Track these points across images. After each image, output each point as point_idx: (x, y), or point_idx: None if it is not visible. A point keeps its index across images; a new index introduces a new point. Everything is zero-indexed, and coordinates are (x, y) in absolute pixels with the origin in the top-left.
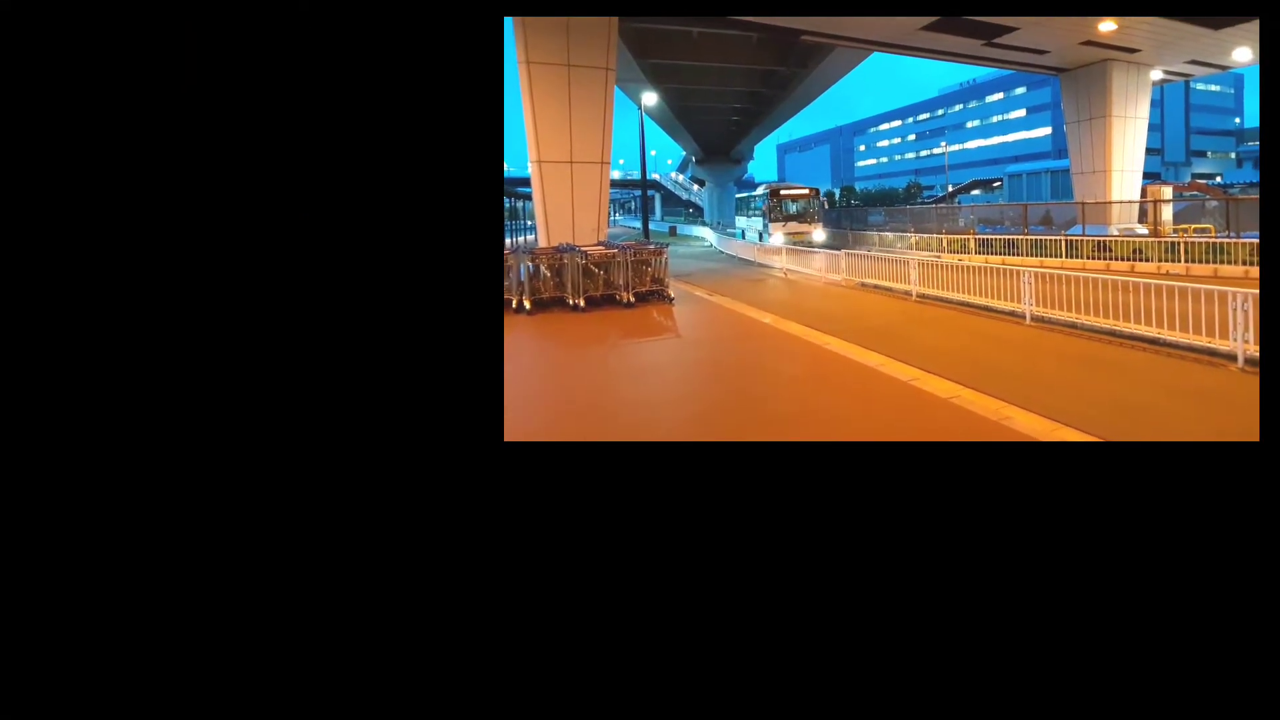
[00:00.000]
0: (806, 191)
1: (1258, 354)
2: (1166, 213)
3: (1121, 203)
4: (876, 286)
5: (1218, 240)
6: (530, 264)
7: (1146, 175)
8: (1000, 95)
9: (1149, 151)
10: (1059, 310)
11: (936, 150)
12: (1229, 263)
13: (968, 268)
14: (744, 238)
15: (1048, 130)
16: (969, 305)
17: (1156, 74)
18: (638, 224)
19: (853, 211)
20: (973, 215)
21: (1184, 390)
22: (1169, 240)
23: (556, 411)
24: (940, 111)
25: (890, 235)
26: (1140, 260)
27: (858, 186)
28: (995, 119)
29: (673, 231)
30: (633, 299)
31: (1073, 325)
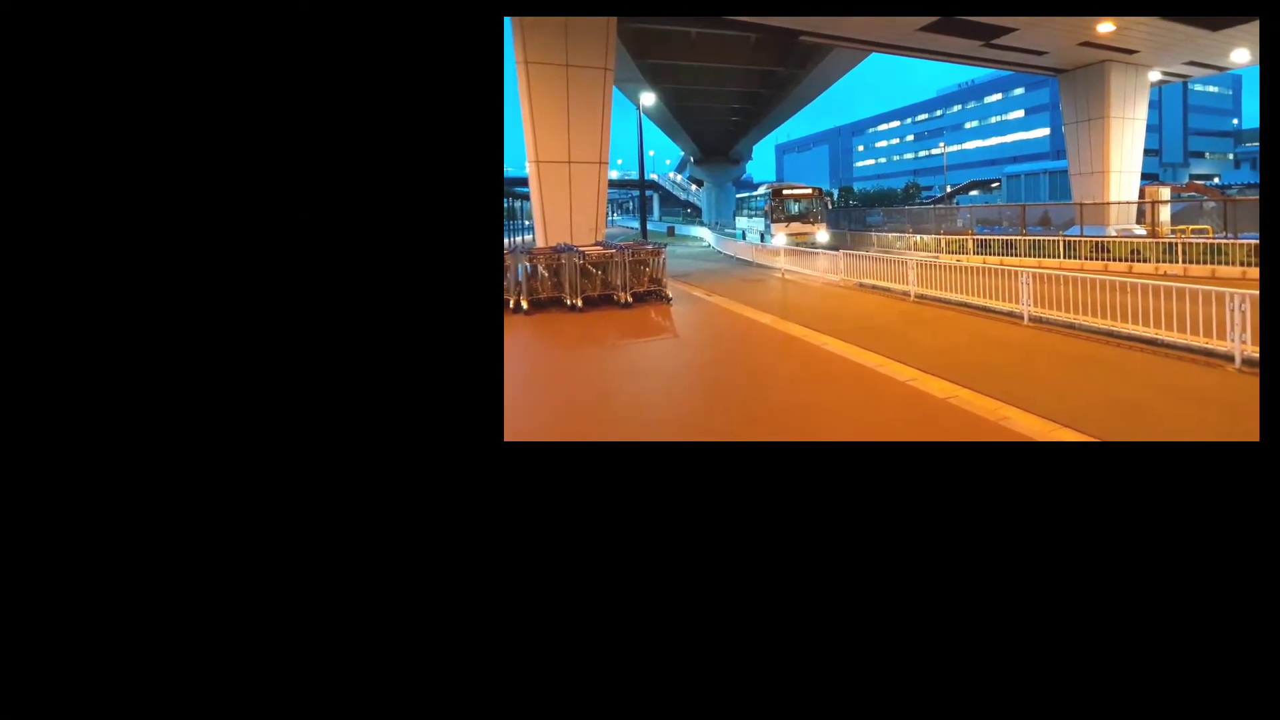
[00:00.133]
0: (810, 191)
1: (1255, 354)
2: (1164, 214)
3: (1119, 203)
4: (875, 287)
5: (1215, 241)
6: (528, 264)
7: (1144, 176)
8: (999, 96)
9: (1147, 152)
10: (1057, 311)
11: (935, 151)
12: (1226, 263)
13: (966, 268)
14: (745, 239)
15: (1046, 131)
16: (967, 306)
17: (1155, 75)
18: (636, 224)
19: (851, 212)
20: (971, 216)
21: (1181, 390)
22: (1167, 241)
23: (555, 412)
24: (939, 112)
25: (889, 236)
26: (1138, 261)
27: (856, 187)
28: (994, 120)
29: (670, 232)
30: (630, 299)
31: (1070, 326)
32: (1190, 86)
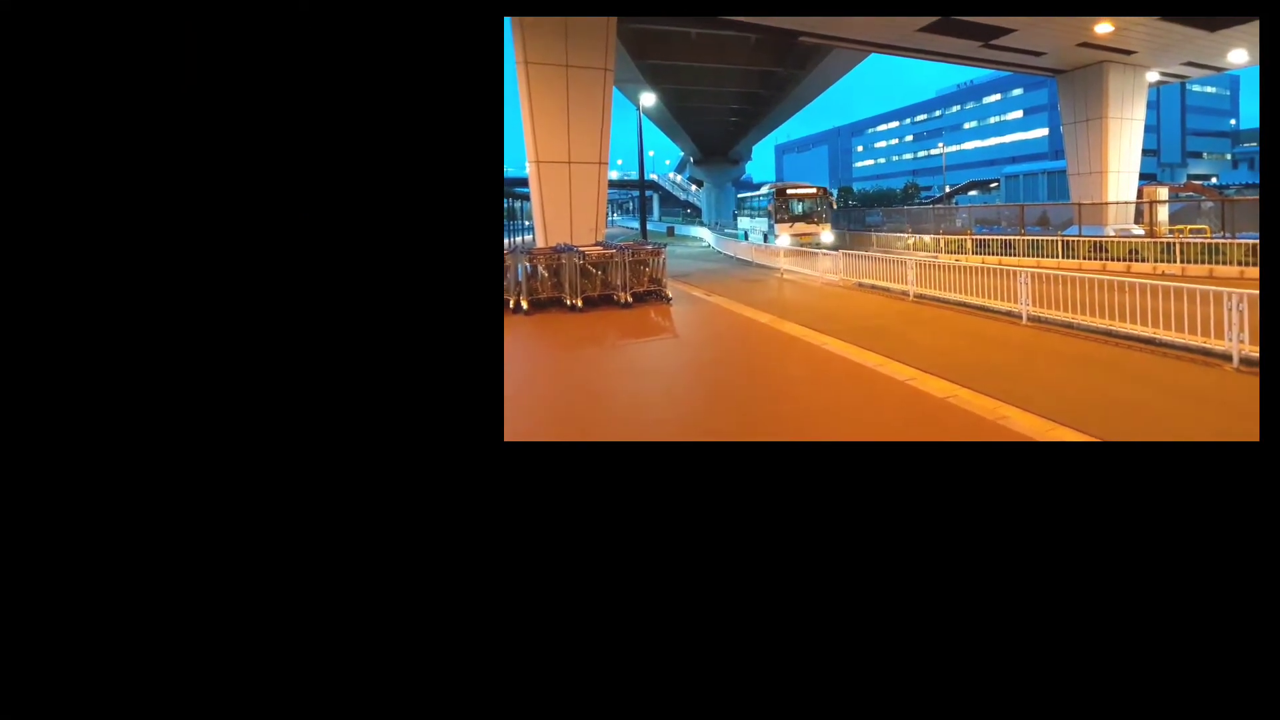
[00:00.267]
0: (814, 191)
1: (1253, 354)
2: (1162, 213)
3: (1118, 203)
4: (874, 287)
5: (1213, 241)
6: (528, 264)
7: (1143, 176)
8: (997, 97)
9: (1145, 152)
10: (1055, 310)
11: (934, 151)
12: (1224, 263)
13: (965, 268)
14: (747, 239)
15: (1045, 131)
16: (966, 305)
17: (1153, 76)
18: (635, 224)
19: (850, 212)
20: (970, 216)
21: (1180, 390)
22: (1165, 241)
23: (555, 411)
24: (938, 113)
25: (888, 235)
26: (1136, 260)
27: (855, 187)
28: (993, 120)
29: (670, 232)
30: (630, 299)
31: (1069, 325)
32: (1188, 87)
